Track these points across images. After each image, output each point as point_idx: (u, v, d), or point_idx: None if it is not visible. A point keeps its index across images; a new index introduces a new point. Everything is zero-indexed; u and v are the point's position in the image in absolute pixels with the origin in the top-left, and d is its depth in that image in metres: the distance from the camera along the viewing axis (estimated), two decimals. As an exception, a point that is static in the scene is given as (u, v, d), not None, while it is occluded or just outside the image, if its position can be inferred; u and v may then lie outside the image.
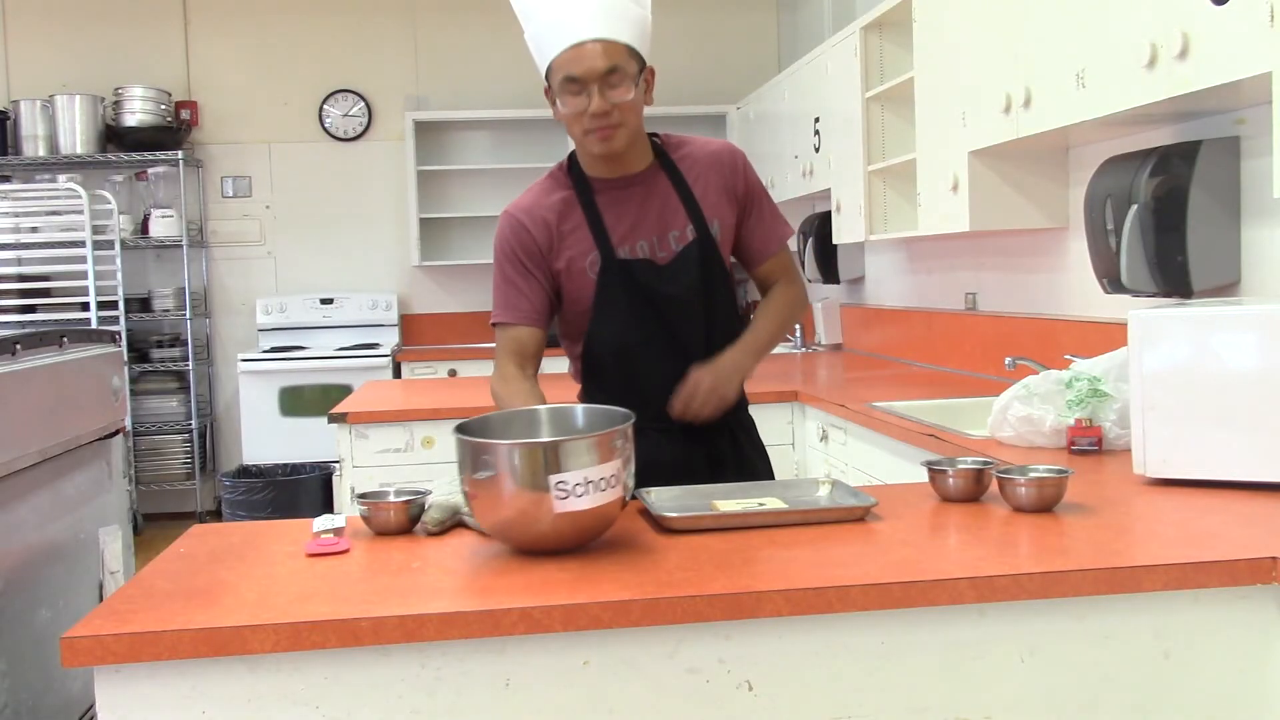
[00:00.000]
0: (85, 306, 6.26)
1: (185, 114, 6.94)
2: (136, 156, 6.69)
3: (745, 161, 2.35)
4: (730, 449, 2.37)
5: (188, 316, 6.78)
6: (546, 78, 2.18)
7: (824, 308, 5.86)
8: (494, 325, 2.31)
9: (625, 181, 2.26)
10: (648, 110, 2.24)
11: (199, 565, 1.76)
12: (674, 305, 2.26)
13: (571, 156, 2.31)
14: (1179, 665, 1.63)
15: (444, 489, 1.97)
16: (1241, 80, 2.27)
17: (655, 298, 2.25)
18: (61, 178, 6.50)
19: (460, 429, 1.79)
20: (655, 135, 2.33)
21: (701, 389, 2.23)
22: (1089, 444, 2.45)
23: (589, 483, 1.69)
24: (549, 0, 2.12)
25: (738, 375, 2.28)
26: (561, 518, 1.69)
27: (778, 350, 5.93)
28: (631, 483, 1.80)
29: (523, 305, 2.27)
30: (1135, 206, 2.79)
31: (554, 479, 1.67)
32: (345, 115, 7.16)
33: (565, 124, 2.20)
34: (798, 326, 5.98)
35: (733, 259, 2.38)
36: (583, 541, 1.77)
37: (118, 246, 6.42)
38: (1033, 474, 1.95)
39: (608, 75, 2.10)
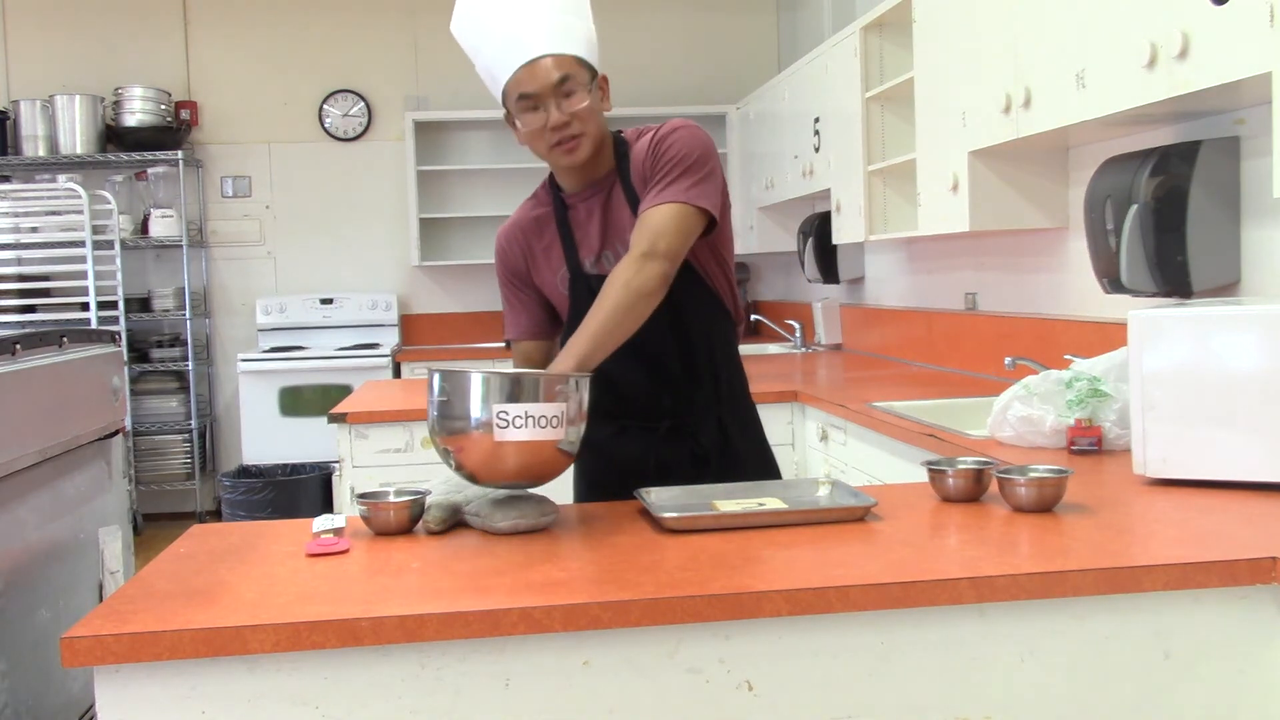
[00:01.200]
0: (85, 306, 6.26)
1: (185, 114, 6.94)
2: (136, 156, 6.69)
3: (663, 136, 2.19)
4: (717, 445, 2.33)
5: (188, 316, 6.78)
6: (504, 103, 2.17)
7: (824, 308, 5.85)
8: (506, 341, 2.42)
9: (590, 191, 2.25)
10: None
11: (199, 565, 1.76)
12: None
13: (551, 172, 2.31)
14: (1179, 665, 1.63)
15: (442, 488, 1.97)
16: (1241, 80, 2.27)
17: None
18: (61, 178, 6.50)
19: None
20: (620, 133, 2.28)
21: None
22: (1089, 444, 2.45)
23: (529, 417, 1.81)
24: (494, 27, 2.12)
25: None
26: (501, 445, 1.82)
27: (777, 350, 5.94)
28: (577, 437, 1.90)
29: (521, 322, 2.38)
30: (1135, 206, 2.79)
31: (497, 408, 1.81)
32: (345, 115, 7.16)
33: (529, 145, 2.19)
34: (796, 326, 5.98)
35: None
36: (523, 478, 1.88)
37: (117, 246, 6.42)
38: (1033, 474, 1.95)
39: (561, 85, 2.10)
